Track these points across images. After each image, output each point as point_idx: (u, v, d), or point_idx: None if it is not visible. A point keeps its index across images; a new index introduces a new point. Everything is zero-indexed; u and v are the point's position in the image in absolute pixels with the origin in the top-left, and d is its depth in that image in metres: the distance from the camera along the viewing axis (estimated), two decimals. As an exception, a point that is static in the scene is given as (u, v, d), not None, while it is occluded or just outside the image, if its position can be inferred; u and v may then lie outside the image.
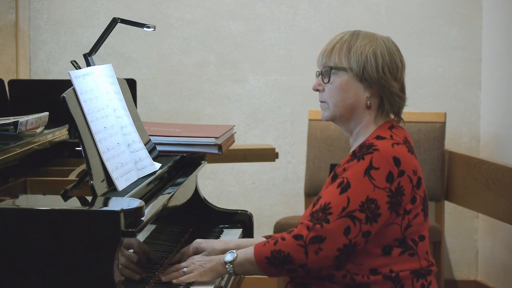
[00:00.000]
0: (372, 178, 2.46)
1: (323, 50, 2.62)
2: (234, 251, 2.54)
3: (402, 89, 2.61)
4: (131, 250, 2.42)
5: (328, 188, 2.52)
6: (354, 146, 2.62)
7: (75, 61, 2.80)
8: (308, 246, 2.43)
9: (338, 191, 2.47)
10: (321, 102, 2.63)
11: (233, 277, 2.68)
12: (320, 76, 2.61)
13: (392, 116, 2.63)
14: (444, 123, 4.76)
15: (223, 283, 2.60)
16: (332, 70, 2.57)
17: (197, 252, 2.69)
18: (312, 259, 2.44)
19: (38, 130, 3.00)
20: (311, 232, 2.44)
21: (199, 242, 2.71)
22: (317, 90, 2.62)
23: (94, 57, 2.89)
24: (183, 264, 2.55)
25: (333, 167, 2.74)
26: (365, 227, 2.44)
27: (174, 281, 2.50)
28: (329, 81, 2.58)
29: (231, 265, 2.51)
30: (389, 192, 2.47)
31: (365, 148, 2.50)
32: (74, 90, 2.46)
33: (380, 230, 2.48)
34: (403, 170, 2.49)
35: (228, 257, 2.52)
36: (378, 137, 2.55)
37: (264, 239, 2.78)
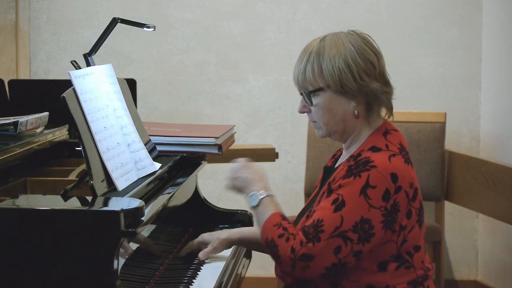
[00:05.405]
0: (368, 198, 2.40)
1: (296, 73, 2.56)
2: (261, 195, 2.56)
3: (385, 82, 2.53)
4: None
5: (322, 203, 2.46)
6: (348, 152, 2.58)
7: (75, 61, 2.80)
8: (296, 262, 2.40)
9: (332, 208, 2.41)
10: (312, 122, 2.59)
11: (233, 277, 2.69)
12: (303, 98, 2.56)
13: (383, 114, 2.57)
14: (444, 123, 4.75)
15: (224, 279, 2.61)
16: (311, 94, 2.52)
17: (203, 245, 2.80)
18: (297, 273, 2.42)
19: (38, 130, 3.00)
20: (302, 248, 2.40)
21: (203, 236, 2.82)
22: (304, 112, 2.58)
23: (94, 57, 2.89)
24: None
25: (326, 169, 2.68)
26: (356, 247, 2.39)
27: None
28: (312, 104, 2.53)
29: (252, 203, 2.57)
30: (384, 211, 2.41)
31: (362, 165, 2.43)
32: (74, 90, 2.46)
33: (375, 248, 2.43)
34: (400, 185, 2.43)
35: (252, 200, 2.59)
36: (374, 149, 2.48)
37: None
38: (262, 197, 2.55)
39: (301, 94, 2.56)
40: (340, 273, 2.43)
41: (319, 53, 2.50)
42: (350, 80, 2.47)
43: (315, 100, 2.52)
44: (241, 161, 2.67)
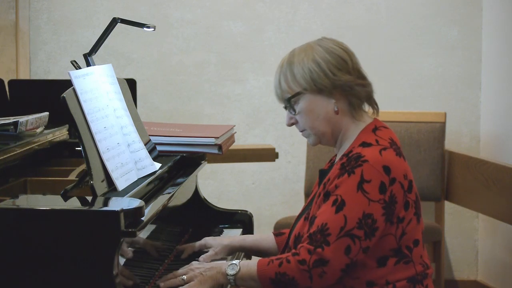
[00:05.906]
0: (365, 192, 2.42)
1: (274, 88, 2.60)
2: (236, 262, 2.51)
3: (360, 76, 2.57)
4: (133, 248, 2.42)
5: (322, 207, 2.48)
6: (340, 152, 2.60)
7: (75, 61, 2.80)
8: (312, 270, 2.41)
9: (334, 210, 2.43)
10: (301, 132, 2.62)
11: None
12: (287, 110, 2.60)
13: (367, 109, 2.60)
14: (444, 123, 4.76)
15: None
16: (291, 101, 2.55)
17: (204, 248, 2.78)
18: (316, 282, 2.42)
19: (38, 130, 3.00)
20: (313, 255, 2.41)
21: (206, 239, 2.81)
22: (292, 124, 2.62)
23: (94, 57, 2.89)
24: (181, 271, 2.52)
25: (322, 173, 2.69)
26: (364, 243, 2.42)
27: None
28: (295, 111, 2.57)
29: (233, 278, 2.49)
30: (383, 203, 2.43)
31: (354, 161, 2.46)
32: (74, 90, 2.46)
33: (376, 242, 2.45)
34: (394, 177, 2.45)
35: (230, 270, 2.49)
36: (364, 144, 2.51)
37: (273, 236, 2.82)
38: (237, 262, 2.51)
39: (285, 108, 2.60)
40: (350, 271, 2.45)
41: (290, 62, 2.56)
42: (321, 77, 2.52)
43: (297, 107, 2.56)
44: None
